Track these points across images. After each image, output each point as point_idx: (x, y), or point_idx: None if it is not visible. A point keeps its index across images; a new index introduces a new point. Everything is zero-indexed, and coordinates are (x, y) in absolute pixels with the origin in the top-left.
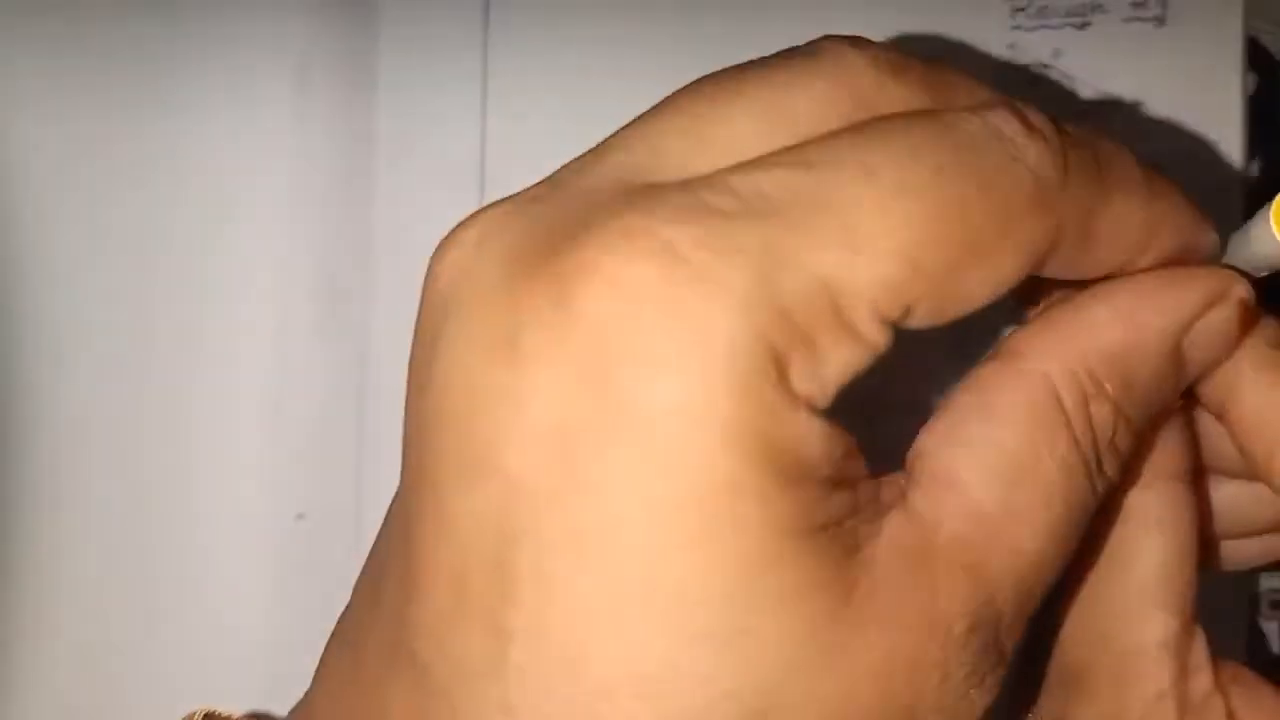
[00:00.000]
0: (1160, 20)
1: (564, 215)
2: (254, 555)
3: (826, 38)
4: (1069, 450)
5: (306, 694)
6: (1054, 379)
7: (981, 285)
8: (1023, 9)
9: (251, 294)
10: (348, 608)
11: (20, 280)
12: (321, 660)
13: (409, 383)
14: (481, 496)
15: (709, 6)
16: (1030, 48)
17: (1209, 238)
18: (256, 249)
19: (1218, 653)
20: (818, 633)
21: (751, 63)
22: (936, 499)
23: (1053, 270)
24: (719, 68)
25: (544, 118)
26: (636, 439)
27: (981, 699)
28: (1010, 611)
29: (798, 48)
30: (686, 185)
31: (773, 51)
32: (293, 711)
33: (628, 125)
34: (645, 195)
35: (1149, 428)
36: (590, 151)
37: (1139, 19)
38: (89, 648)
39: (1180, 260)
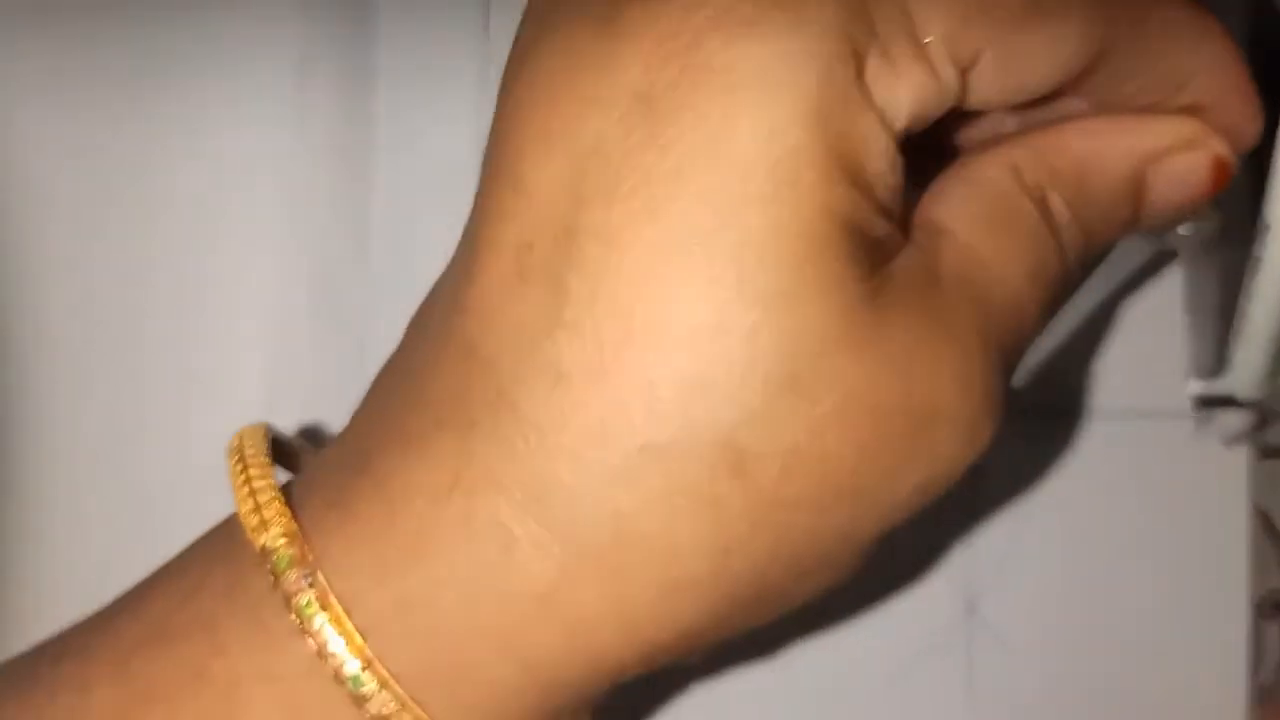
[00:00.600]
0: None
1: None
2: None
3: None
4: (1032, 214)
5: (360, 403)
6: (1018, 161)
7: (1043, 55)
8: None
9: (250, 294)
10: (408, 325)
11: (18, 278)
12: (376, 377)
13: (503, 83)
14: (562, 161)
15: None
16: None
17: (1251, 112)
18: (255, 248)
19: (1218, 653)
20: (852, 319)
21: None
22: (937, 241)
23: (1096, 84)
24: None
25: None
26: (719, 100)
27: (988, 428)
28: (1008, 348)
29: None
30: None
31: None
32: (348, 423)
33: None
34: None
35: (1097, 242)
36: None
37: None
38: None
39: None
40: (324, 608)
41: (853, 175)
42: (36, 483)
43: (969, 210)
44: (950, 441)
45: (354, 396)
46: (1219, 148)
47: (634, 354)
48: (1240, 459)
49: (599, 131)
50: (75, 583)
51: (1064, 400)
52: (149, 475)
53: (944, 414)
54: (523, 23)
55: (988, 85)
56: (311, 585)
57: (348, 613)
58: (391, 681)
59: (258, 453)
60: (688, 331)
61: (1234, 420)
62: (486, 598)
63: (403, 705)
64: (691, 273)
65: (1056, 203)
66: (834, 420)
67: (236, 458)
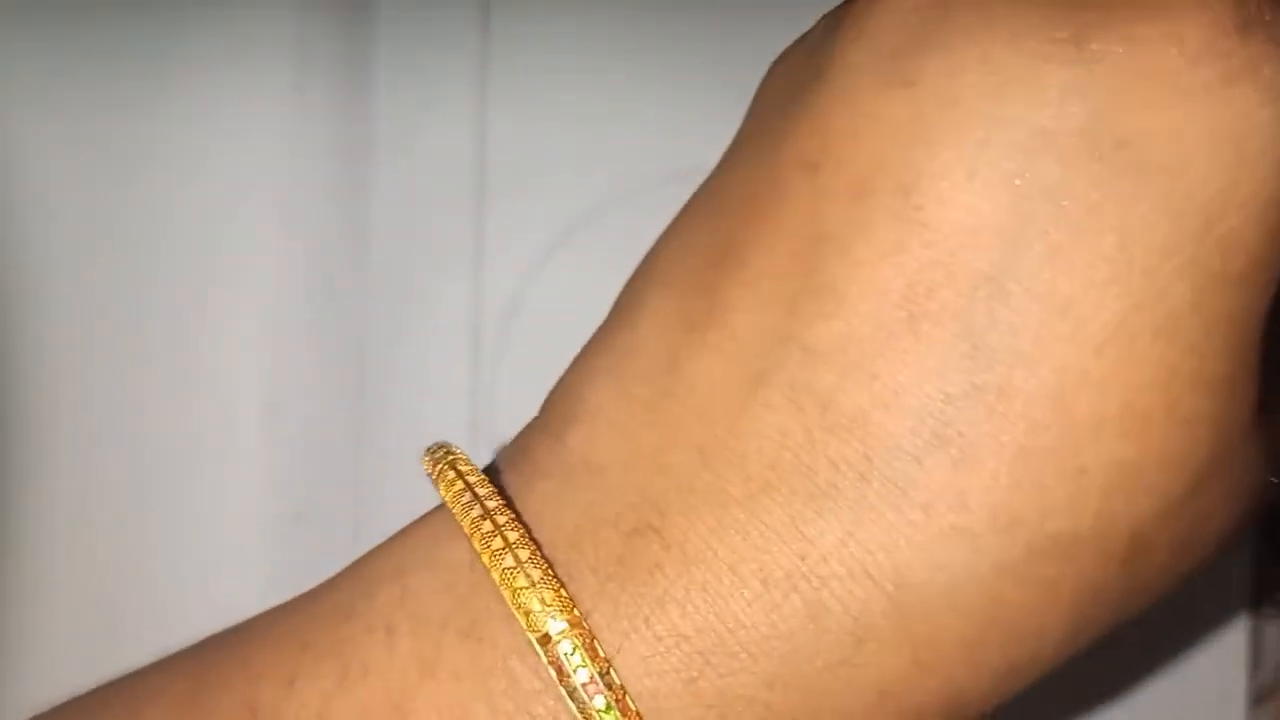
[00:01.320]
0: None
1: None
2: (252, 555)
3: None
4: None
5: (565, 418)
6: None
7: None
8: None
9: (250, 294)
10: (612, 322)
11: (17, 279)
12: (568, 386)
13: (862, 78)
14: (988, 200)
15: (709, 6)
16: None
17: None
18: (255, 249)
19: (1217, 653)
20: (1250, 419)
21: None
22: None
23: None
24: (720, 67)
25: (544, 118)
26: (1219, 152)
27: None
28: None
29: None
30: None
31: (774, 49)
32: (543, 441)
33: None
34: None
35: None
36: None
37: None
38: (88, 647)
39: None
40: (624, 715)
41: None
42: (37, 482)
43: None
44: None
45: (353, 396)
46: None
47: (1060, 433)
48: None
49: (1043, 170)
50: (76, 583)
51: None
52: (150, 475)
53: (1252, 501)
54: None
55: None
56: (608, 686)
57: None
58: None
59: (502, 508)
60: (1130, 415)
61: None
62: (826, 693)
63: None
64: (1148, 347)
65: None
66: (1212, 512)
67: (464, 496)
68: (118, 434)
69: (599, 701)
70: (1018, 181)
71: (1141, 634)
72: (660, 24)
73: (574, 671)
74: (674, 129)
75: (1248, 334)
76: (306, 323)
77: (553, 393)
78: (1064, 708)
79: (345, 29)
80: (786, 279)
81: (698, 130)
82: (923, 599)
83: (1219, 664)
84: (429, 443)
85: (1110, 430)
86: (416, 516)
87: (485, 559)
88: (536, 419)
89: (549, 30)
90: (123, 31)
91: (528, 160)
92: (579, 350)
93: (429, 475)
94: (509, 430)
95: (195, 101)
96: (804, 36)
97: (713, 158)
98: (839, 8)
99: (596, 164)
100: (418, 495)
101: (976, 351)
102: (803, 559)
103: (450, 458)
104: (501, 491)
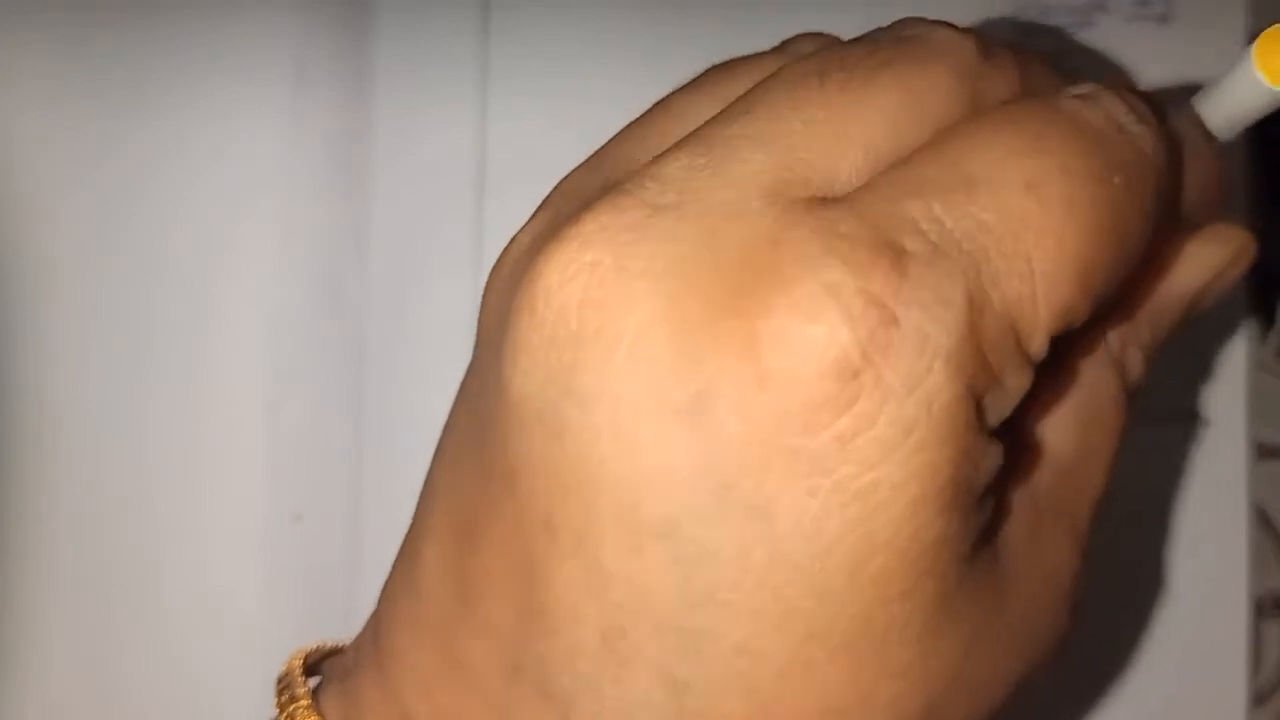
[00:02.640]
0: (1163, 18)
1: (718, 241)
2: (251, 556)
3: (916, 22)
4: (1119, 395)
5: (372, 644)
6: (1113, 338)
7: (1117, 283)
8: (1026, 7)
9: (249, 294)
10: (411, 580)
11: (19, 279)
12: (387, 624)
13: (518, 409)
14: (661, 565)
15: (709, 6)
16: (1033, 46)
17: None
18: (254, 249)
19: (1217, 652)
20: (979, 632)
21: (862, 47)
22: (1038, 469)
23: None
24: None
25: (544, 118)
26: (846, 527)
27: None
28: (1090, 532)
29: (892, 31)
30: (865, 216)
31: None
32: (371, 651)
33: (752, 113)
34: (826, 228)
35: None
36: (712, 143)
37: (1142, 17)
38: (88, 647)
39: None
40: None
41: (973, 506)
42: (37, 482)
43: (1071, 420)
44: (1050, 659)
45: (353, 396)
46: (1253, 249)
47: None
48: (1240, 459)
49: (713, 542)
50: (76, 581)
51: None
52: (151, 475)
53: (1045, 650)
54: (523, 353)
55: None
56: None
57: None
58: None
59: (297, 693)
60: (830, 715)
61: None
62: None
63: None
64: (829, 668)
65: (1134, 357)
66: (969, 707)
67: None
68: (118, 433)
69: None
70: (672, 545)
71: (1141, 634)
72: (660, 24)
73: None
74: None
75: (926, 616)
76: (307, 323)
77: (375, 613)
78: (1063, 707)
79: (345, 29)
80: (516, 587)
81: None
82: None
83: (1219, 664)
84: (430, 442)
85: None
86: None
87: None
88: (363, 633)
89: (549, 30)
90: (122, 32)
91: (528, 160)
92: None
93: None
94: None
95: (195, 102)
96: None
97: None
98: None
99: None
100: (417, 494)
101: (677, 685)
102: None
103: (292, 679)
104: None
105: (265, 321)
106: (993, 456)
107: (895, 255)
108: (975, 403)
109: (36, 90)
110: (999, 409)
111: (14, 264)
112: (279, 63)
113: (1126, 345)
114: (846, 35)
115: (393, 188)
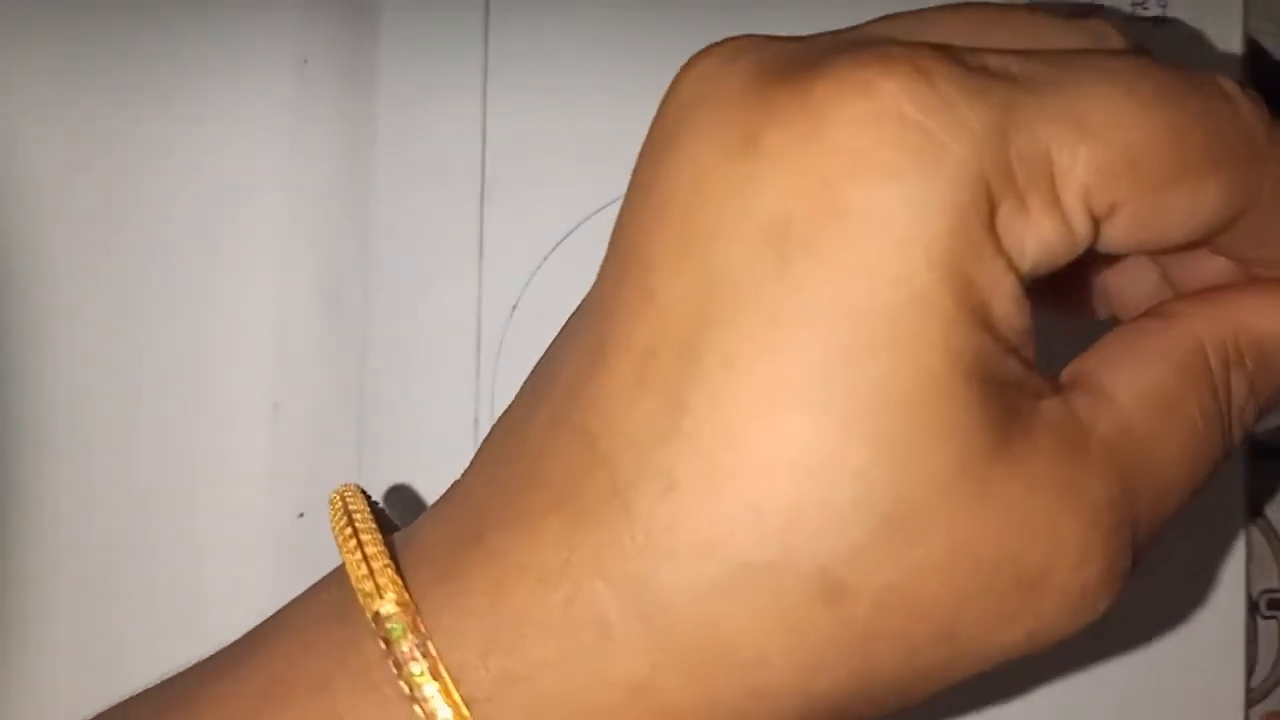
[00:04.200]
0: (1160, 20)
1: (820, 44)
2: (255, 553)
3: (1094, 13)
4: (1210, 401)
5: (466, 469)
6: (1204, 340)
7: (1183, 212)
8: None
9: (251, 293)
10: (515, 398)
11: (20, 279)
12: (481, 446)
13: (633, 182)
14: (692, 279)
15: (709, 7)
16: None
17: None
18: (256, 248)
19: (1214, 652)
20: (969, 470)
21: (1020, 5)
22: (1094, 405)
23: (1230, 240)
24: None
25: (544, 118)
26: (849, 241)
27: (1103, 602)
28: (1143, 530)
29: (1064, 10)
30: (943, 45)
31: None
32: (449, 490)
33: (888, 15)
34: (904, 42)
35: (1270, 409)
36: (850, 27)
37: (1138, 18)
38: (89, 647)
39: None
40: (435, 677)
41: (979, 320)
42: (40, 480)
43: (1140, 383)
44: (1057, 609)
45: (354, 395)
46: None
47: (746, 477)
48: (1237, 459)
49: (730, 257)
50: (80, 580)
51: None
52: (154, 472)
53: (1055, 582)
54: (655, 122)
55: (1122, 236)
56: (424, 655)
57: (455, 683)
58: None
59: (365, 516)
60: (798, 463)
61: None
62: (583, 681)
63: None
64: (808, 408)
65: (1239, 384)
66: (936, 566)
67: (343, 519)
68: (120, 432)
69: (414, 668)
70: (707, 265)
71: (1140, 634)
72: (660, 24)
73: (397, 641)
74: None
75: (919, 394)
76: (309, 323)
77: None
78: (1062, 707)
79: (346, 28)
80: (588, 344)
81: None
82: (650, 608)
83: (1217, 664)
84: (431, 441)
85: (784, 475)
86: (416, 512)
87: (344, 556)
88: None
89: (549, 31)
90: (125, 31)
91: (528, 161)
92: None
93: (331, 520)
94: None
95: (197, 103)
96: None
97: None
98: None
99: (597, 164)
100: (420, 492)
101: (681, 404)
102: (566, 564)
103: (344, 494)
104: (380, 514)
105: (268, 319)
106: (1002, 278)
107: (953, 59)
108: (990, 200)
109: (37, 88)
110: (1022, 241)
111: (17, 261)
112: (282, 61)
113: (1230, 367)
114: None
115: (394, 187)
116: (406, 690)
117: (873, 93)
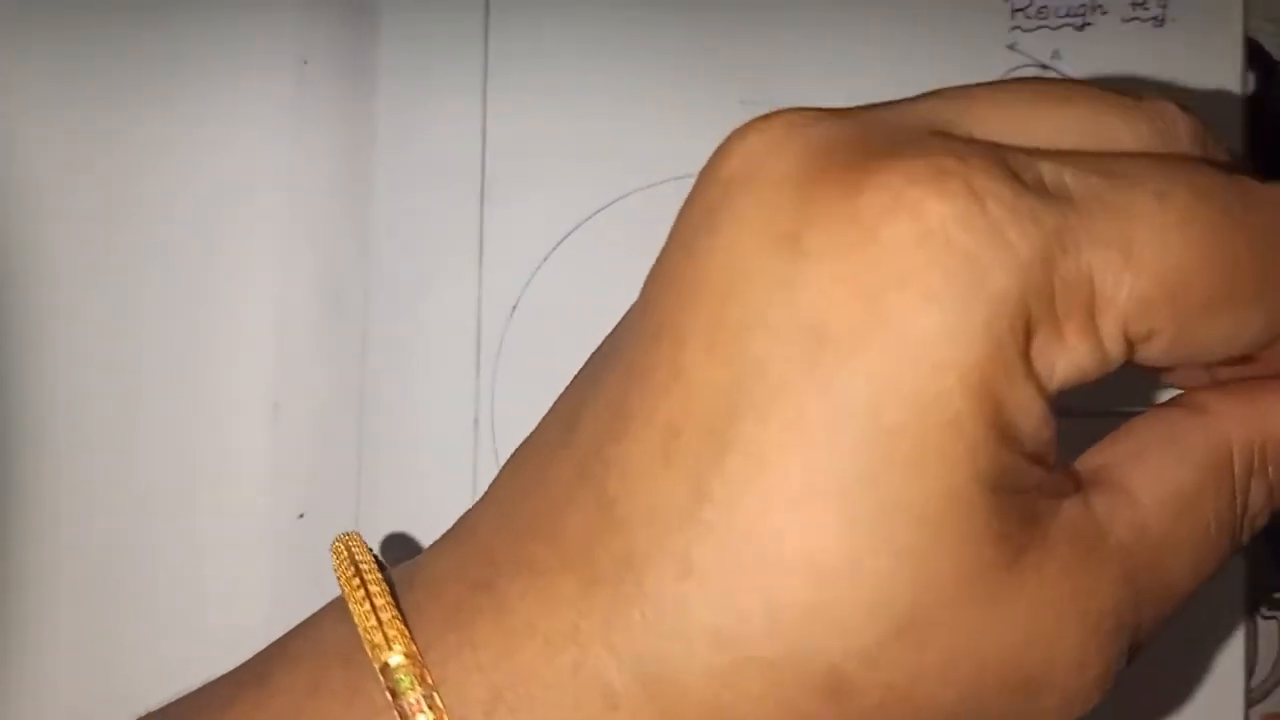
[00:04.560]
0: (1160, 20)
1: (873, 133)
2: (255, 553)
3: (1154, 97)
4: (1227, 508)
5: (476, 505)
6: (1233, 442)
7: (1221, 338)
8: (1022, 9)
9: (251, 293)
10: (531, 438)
11: (20, 279)
12: (494, 482)
13: (670, 244)
14: (722, 365)
15: (709, 9)
16: (1030, 48)
17: None
18: (256, 248)
19: (1216, 653)
20: (982, 580)
21: (1080, 83)
22: (1113, 506)
23: (1272, 355)
24: (720, 69)
25: (544, 118)
26: (886, 356)
27: (1096, 697)
28: (1144, 630)
29: (1126, 93)
30: (998, 148)
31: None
32: (458, 523)
33: (944, 90)
34: (957, 141)
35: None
36: (903, 100)
37: (1138, 19)
38: (89, 647)
39: None
40: None
41: (1005, 440)
42: (40, 480)
43: (1165, 486)
44: (1053, 708)
45: (354, 396)
46: None
47: (763, 573)
48: None
49: (764, 350)
50: (80, 580)
51: (1060, 401)
52: (154, 473)
53: (1054, 685)
54: (698, 192)
55: (1157, 356)
56: (430, 707)
57: None
58: None
59: (370, 566)
60: (817, 565)
61: None
62: None
63: None
64: (831, 513)
65: (1258, 491)
66: (938, 667)
67: (349, 569)
68: (122, 431)
69: (421, 719)
70: (741, 356)
71: None
72: (660, 25)
73: (404, 693)
74: (673, 130)
75: (942, 510)
76: (310, 323)
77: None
78: None
79: (347, 28)
80: (614, 398)
81: (697, 131)
82: (656, 684)
83: (1217, 664)
84: (431, 441)
85: (801, 574)
86: (417, 511)
87: (352, 607)
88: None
89: (549, 31)
90: (125, 31)
91: (528, 161)
92: (577, 359)
93: (334, 565)
94: (509, 428)
95: (197, 103)
96: None
97: None
98: None
99: (597, 164)
100: (419, 492)
101: (704, 490)
102: (576, 629)
103: (348, 543)
104: (379, 562)
105: (269, 322)
106: (1031, 399)
107: (1006, 173)
108: (1028, 327)
109: (37, 88)
110: (1053, 364)
111: (16, 261)
112: (282, 61)
113: (1255, 476)
114: (842, 34)
115: (394, 187)
116: None
117: (922, 215)
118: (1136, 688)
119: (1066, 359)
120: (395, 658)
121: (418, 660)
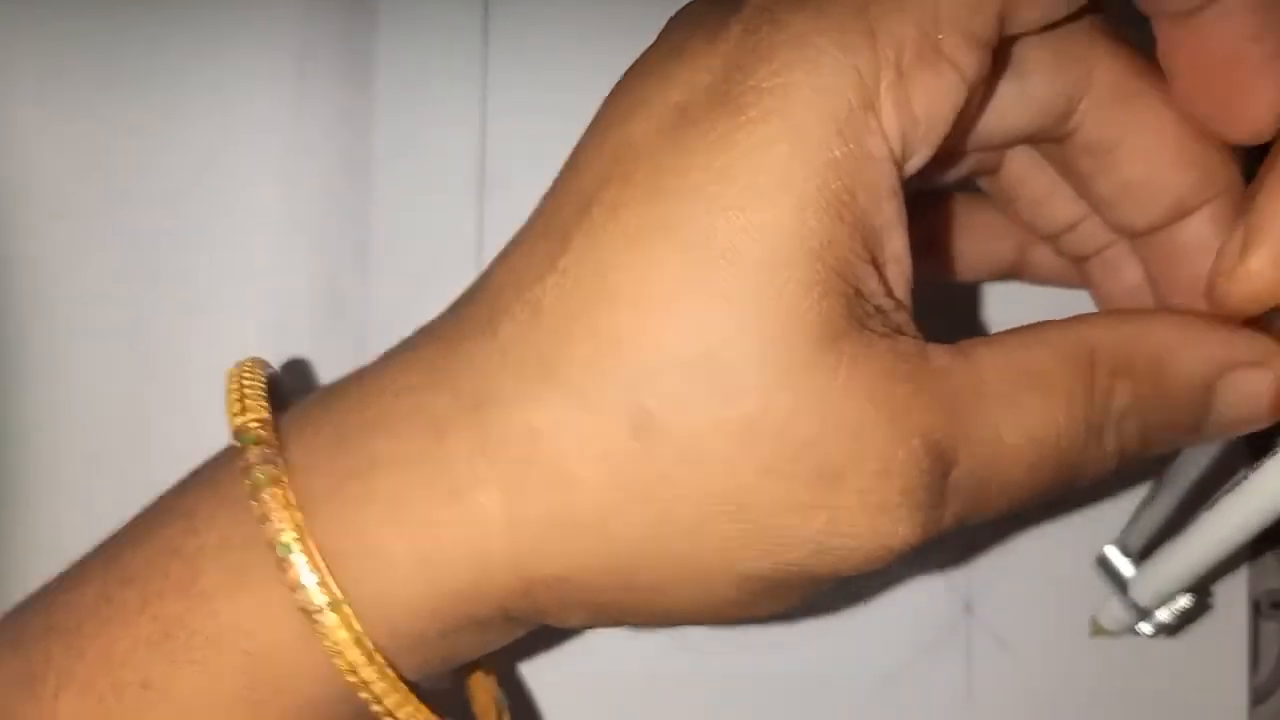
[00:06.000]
0: None
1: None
2: None
3: None
4: (1082, 396)
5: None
6: (1095, 344)
7: None
8: None
9: (251, 293)
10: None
11: (20, 278)
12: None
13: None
14: (605, 150)
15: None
16: None
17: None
18: (256, 249)
19: (1216, 652)
20: (789, 346)
21: None
22: (952, 357)
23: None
24: None
25: (544, 118)
26: (730, 126)
27: (901, 526)
28: (963, 480)
29: None
30: None
31: None
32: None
33: None
34: None
35: (1157, 440)
36: None
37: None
38: None
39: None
40: (274, 481)
41: (837, 209)
42: (38, 482)
43: (1008, 356)
44: (853, 514)
45: None
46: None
47: (601, 307)
48: (1239, 456)
49: (637, 128)
50: None
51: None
52: (150, 473)
53: (852, 484)
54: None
55: (1021, 21)
56: (269, 461)
57: (303, 484)
58: (315, 553)
59: (255, 366)
60: (642, 301)
61: (1118, 609)
62: (410, 478)
63: (320, 576)
64: (671, 252)
65: (1122, 392)
66: (739, 426)
67: (234, 370)
68: (122, 432)
69: (259, 472)
70: (619, 136)
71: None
72: (660, 25)
73: (247, 448)
74: None
75: (770, 262)
76: (308, 322)
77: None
78: (1066, 708)
79: (346, 28)
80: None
81: None
82: (485, 416)
83: (1219, 664)
84: None
85: (624, 311)
86: None
87: (229, 401)
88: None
89: (549, 30)
90: (125, 30)
91: (527, 159)
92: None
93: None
94: None
95: (196, 102)
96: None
97: None
98: None
99: None
100: None
101: (565, 245)
102: (425, 379)
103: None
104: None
105: (267, 320)
106: (882, 174)
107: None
108: (867, 91)
109: (35, 84)
110: (908, 115)
111: (15, 261)
112: (281, 58)
113: (1117, 374)
114: None
115: (393, 186)
116: (249, 490)
117: (775, 15)
118: (1139, 687)
119: (920, 101)
120: (248, 420)
121: (268, 424)
